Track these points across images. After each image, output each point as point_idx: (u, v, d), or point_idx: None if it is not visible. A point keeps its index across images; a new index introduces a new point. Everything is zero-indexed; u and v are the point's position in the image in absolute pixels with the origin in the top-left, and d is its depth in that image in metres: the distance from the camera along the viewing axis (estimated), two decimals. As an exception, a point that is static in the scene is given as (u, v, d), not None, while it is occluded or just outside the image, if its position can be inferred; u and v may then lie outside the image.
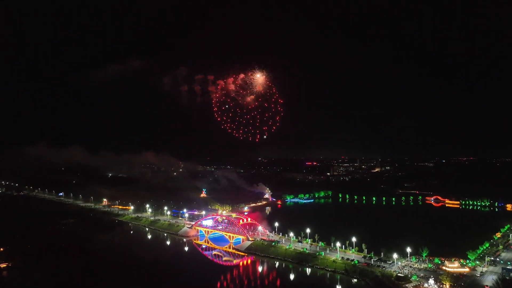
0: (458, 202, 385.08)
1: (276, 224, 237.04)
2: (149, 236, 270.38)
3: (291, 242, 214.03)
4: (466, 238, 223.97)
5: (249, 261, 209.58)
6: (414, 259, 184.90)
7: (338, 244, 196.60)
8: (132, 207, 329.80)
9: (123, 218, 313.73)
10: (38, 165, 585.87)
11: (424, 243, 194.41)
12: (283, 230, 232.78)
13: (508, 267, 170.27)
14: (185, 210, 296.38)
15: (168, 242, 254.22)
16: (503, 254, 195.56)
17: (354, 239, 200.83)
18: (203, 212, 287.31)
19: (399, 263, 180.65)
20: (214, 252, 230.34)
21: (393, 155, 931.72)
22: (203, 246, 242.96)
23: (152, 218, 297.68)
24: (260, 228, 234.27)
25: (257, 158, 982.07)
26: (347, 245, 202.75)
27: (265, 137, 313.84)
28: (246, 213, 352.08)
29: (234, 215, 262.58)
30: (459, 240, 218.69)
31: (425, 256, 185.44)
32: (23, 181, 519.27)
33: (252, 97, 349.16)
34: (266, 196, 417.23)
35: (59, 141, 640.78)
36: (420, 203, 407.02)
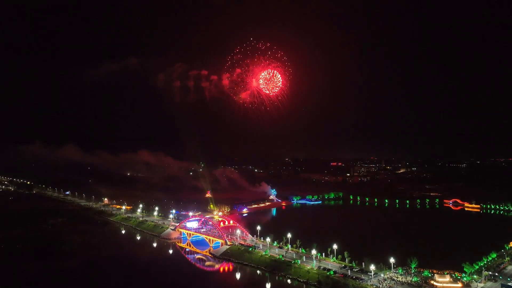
0: (479, 206, 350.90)
1: (258, 227, 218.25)
2: (130, 238, 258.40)
3: (267, 248, 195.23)
4: (471, 246, 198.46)
5: (222, 268, 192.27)
6: (400, 270, 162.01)
7: (313, 251, 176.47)
8: (124, 207, 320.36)
9: (115, 218, 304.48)
10: (52, 164, 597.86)
11: (418, 252, 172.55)
12: (270, 234, 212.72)
13: (509, 283, 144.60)
14: (173, 211, 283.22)
15: (146, 245, 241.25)
16: (510, 267, 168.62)
17: (335, 246, 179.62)
18: (190, 213, 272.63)
19: (381, 275, 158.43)
20: (188, 257, 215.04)
21: (427, 155, 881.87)
22: (186, 250, 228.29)
23: (141, 219, 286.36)
24: (238, 231, 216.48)
25: (284, 158, 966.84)
26: (328, 252, 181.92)
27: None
28: (245, 215, 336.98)
29: (216, 217, 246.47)
30: (462, 249, 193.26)
31: (414, 267, 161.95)
32: (36, 180, 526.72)
33: (249, 92, 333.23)
34: (271, 197, 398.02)
35: (57, 140, 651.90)
36: (437, 206, 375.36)
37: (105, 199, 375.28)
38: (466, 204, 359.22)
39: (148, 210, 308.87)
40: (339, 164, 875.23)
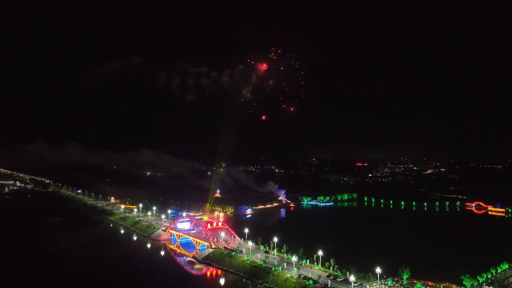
0: (504, 210, 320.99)
1: (246, 230, 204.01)
2: (120, 238, 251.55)
3: (250, 252, 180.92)
4: (481, 255, 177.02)
5: (203, 274, 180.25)
6: (390, 281, 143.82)
7: (294, 258, 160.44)
8: (123, 206, 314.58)
9: (113, 218, 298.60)
10: (70, 163, 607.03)
11: (417, 260, 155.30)
12: (258, 237, 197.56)
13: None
14: (169, 211, 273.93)
15: (133, 246, 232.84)
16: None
17: (320, 253, 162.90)
18: (184, 213, 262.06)
19: (367, 286, 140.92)
20: (171, 261, 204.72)
21: (460, 156, 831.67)
22: (176, 252, 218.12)
23: (136, 219, 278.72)
24: (222, 233, 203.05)
25: (311, 159, 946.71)
26: (315, 258, 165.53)
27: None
28: (249, 216, 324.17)
29: (206, 217, 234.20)
30: (470, 258, 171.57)
31: (406, 278, 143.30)
32: (55, 178, 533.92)
33: (250, 88, 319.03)
34: (280, 197, 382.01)
35: (57, 139, 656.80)
36: (458, 209, 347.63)
37: (111, 198, 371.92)
38: (490, 208, 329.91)
39: (148, 209, 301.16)
40: (365, 164, 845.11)
